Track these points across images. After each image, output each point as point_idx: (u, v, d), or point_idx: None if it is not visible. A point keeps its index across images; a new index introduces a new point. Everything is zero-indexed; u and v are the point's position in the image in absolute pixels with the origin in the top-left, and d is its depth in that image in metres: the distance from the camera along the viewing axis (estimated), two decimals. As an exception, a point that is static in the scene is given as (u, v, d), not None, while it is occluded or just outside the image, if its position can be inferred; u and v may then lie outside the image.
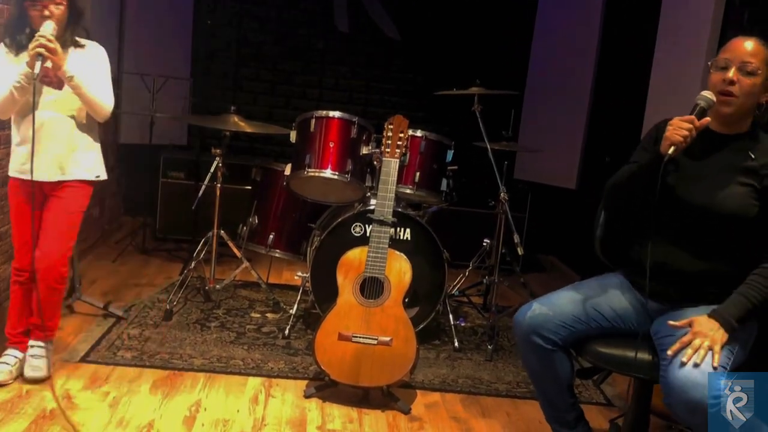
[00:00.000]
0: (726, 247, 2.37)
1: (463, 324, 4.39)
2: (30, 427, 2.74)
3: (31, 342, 3.15)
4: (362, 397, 3.25)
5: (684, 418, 2.15)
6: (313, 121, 3.88)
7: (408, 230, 3.81)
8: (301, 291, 4.11)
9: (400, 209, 3.75)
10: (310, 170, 3.84)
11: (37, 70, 2.79)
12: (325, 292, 3.65)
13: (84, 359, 3.39)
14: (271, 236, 4.30)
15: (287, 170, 3.98)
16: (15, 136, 3.07)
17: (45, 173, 3.02)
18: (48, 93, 3.00)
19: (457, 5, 6.32)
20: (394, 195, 3.31)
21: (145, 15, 5.57)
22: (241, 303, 4.45)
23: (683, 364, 2.14)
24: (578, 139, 5.68)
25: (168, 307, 4.03)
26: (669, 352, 2.19)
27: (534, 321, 2.50)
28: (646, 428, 2.62)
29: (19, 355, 3.15)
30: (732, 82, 2.32)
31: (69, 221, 3.09)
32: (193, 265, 4.25)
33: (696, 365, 2.12)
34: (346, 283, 3.21)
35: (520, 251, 3.79)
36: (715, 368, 2.12)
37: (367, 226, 3.74)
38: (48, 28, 2.84)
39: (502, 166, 4.25)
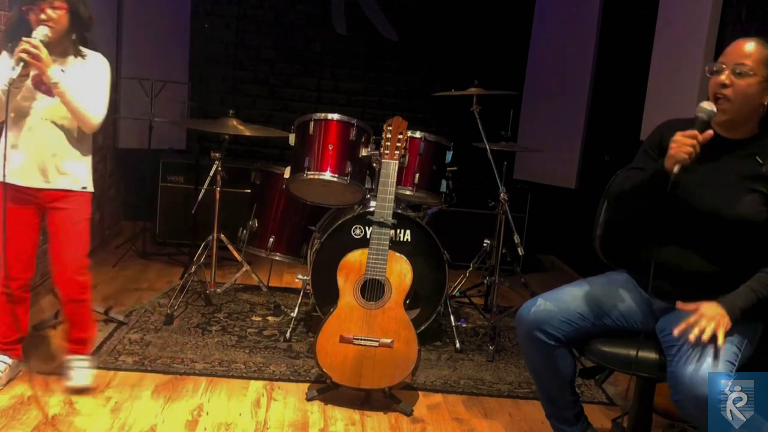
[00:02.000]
0: (737, 251, 2.37)
1: (464, 325, 4.39)
2: (32, 434, 2.75)
3: (70, 357, 3.16)
4: (364, 400, 3.25)
5: (692, 414, 2.15)
6: (311, 124, 3.88)
7: (408, 232, 3.81)
8: (302, 294, 4.11)
9: (400, 211, 3.75)
10: (309, 173, 3.83)
11: (14, 74, 2.74)
12: (325, 294, 3.65)
13: (85, 365, 3.38)
14: (272, 239, 4.30)
15: (287, 173, 3.97)
16: (6, 140, 3.03)
17: (31, 179, 2.97)
18: (40, 100, 2.95)
19: (454, 6, 6.32)
20: (393, 197, 3.31)
21: (142, 20, 5.58)
22: (242, 306, 4.45)
23: (691, 360, 2.14)
24: (577, 139, 5.68)
25: (169, 311, 4.03)
26: (675, 332, 2.19)
27: (538, 316, 2.49)
28: (648, 427, 2.62)
29: (9, 361, 3.14)
30: (724, 85, 2.30)
31: (77, 231, 3.06)
32: (193, 269, 4.25)
33: (699, 360, 2.12)
34: (347, 286, 3.21)
35: (520, 251, 3.79)
36: (716, 356, 2.12)
37: (367, 228, 3.74)
38: (38, 33, 2.81)
39: (501, 167, 4.25)
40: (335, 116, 3.89)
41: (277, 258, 4.38)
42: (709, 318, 2.20)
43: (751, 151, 2.36)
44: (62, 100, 2.90)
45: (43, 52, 2.79)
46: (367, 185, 3.93)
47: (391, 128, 3.42)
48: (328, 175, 3.82)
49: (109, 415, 2.95)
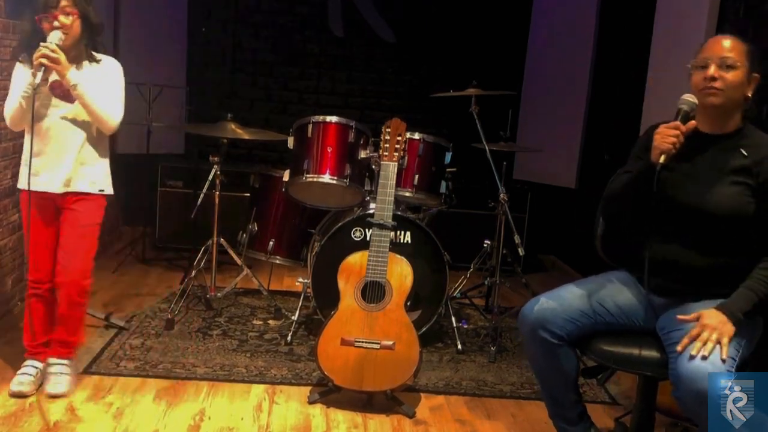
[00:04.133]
0: (728, 244, 2.38)
1: (465, 326, 4.39)
2: (34, 441, 2.74)
3: (51, 360, 3.15)
4: (366, 402, 3.24)
5: (693, 410, 2.16)
6: (310, 127, 3.88)
7: (408, 233, 3.80)
8: (302, 297, 4.11)
9: (399, 212, 3.75)
10: (308, 176, 3.83)
11: (37, 80, 2.78)
12: (326, 297, 3.64)
13: (86, 371, 3.37)
14: (271, 243, 4.29)
15: (286, 176, 3.97)
16: (26, 147, 3.06)
17: (52, 185, 3.02)
18: (59, 105, 3.00)
19: (451, 6, 6.32)
20: (393, 198, 3.31)
21: (139, 24, 5.57)
22: (242, 310, 4.44)
23: (692, 357, 2.15)
24: (577, 138, 5.67)
25: (169, 316, 4.02)
26: (678, 348, 2.20)
27: (541, 315, 2.50)
28: (651, 426, 2.62)
29: (39, 365, 3.16)
30: (714, 78, 2.34)
31: (84, 234, 3.09)
32: (193, 273, 4.25)
33: (704, 357, 2.13)
34: (348, 288, 3.20)
35: (521, 252, 3.79)
36: (723, 360, 2.13)
37: (367, 230, 3.73)
38: (53, 38, 2.85)
39: (501, 167, 4.24)
40: (334, 118, 3.89)
41: (278, 261, 4.37)
42: (711, 328, 2.20)
43: (735, 144, 2.41)
44: (81, 102, 2.95)
45: (61, 56, 2.84)
46: (367, 187, 3.92)
47: (389, 130, 3.41)
48: (327, 178, 3.81)
49: (111, 421, 2.94)
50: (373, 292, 3.20)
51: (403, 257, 3.26)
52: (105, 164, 3.18)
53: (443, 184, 4.07)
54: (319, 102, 6.39)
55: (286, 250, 4.34)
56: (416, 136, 3.96)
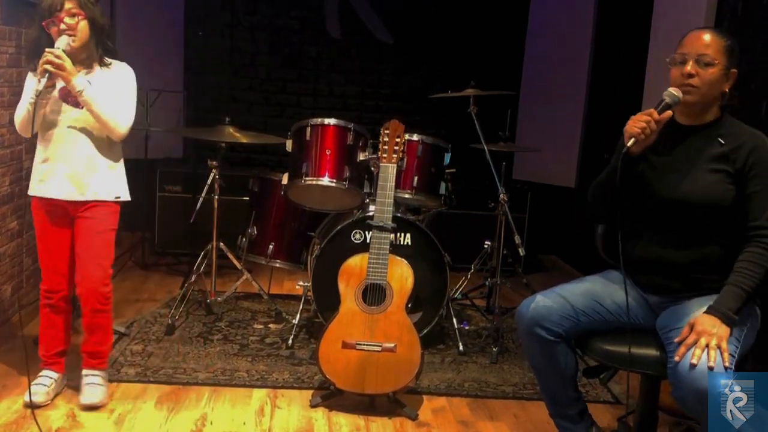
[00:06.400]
0: (712, 235, 2.40)
1: (467, 327, 4.38)
2: (35, 448, 2.73)
3: (84, 371, 3.14)
4: (368, 405, 3.23)
5: (693, 409, 2.15)
6: (308, 129, 3.87)
7: (408, 235, 3.79)
8: (303, 300, 4.10)
9: (399, 214, 3.74)
10: (307, 178, 3.82)
11: (40, 86, 2.76)
12: (327, 300, 3.63)
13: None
14: (271, 246, 4.28)
15: (284, 179, 3.96)
16: (38, 154, 3.05)
17: (63, 192, 2.99)
18: (69, 111, 2.97)
19: (448, 7, 6.31)
20: (392, 200, 3.30)
21: (135, 29, 5.56)
22: (243, 315, 4.43)
23: (693, 366, 2.13)
24: (576, 137, 5.67)
25: (170, 321, 4.02)
26: (676, 358, 2.19)
27: (537, 313, 2.50)
28: (654, 425, 2.61)
29: (54, 375, 3.15)
30: (691, 75, 2.38)
31: (101, 241, 3.06)
32: (193, 278, 4.24)
33: (711, 368, 2.11)
34: (348, 291, 3.19)
35: (521, 252, 3.78)
36: (726, 368, 2.12)
37: (366, 232, 3.72)
38: (60, 43, 2.83)
39: (500, 167, 4.24)
40: (332, 121, 3.88)
41: (278, 265, 4.36)
42: (708, 334, 2.19)
43: (713, 134, 2.44)
44: (87, 108, 2.92)
45: (67, 62, 2.81)
46: (366, 189, 3.92)
47: (388, 131, 3.41)
48: (326, 181, 3.81)
49: (112, 427, 2.94)
50: (374, 294, 3.19)
51: (403, 259, 3.26)
52: (119, 170, 3.16)
53: (443, 185, 4.06)
54: (317, 104, 6.38)
55: (286, 253, 4.34)
56: (415, 137, 3.95)
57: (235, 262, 4.30)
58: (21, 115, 2.95)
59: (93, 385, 3.10)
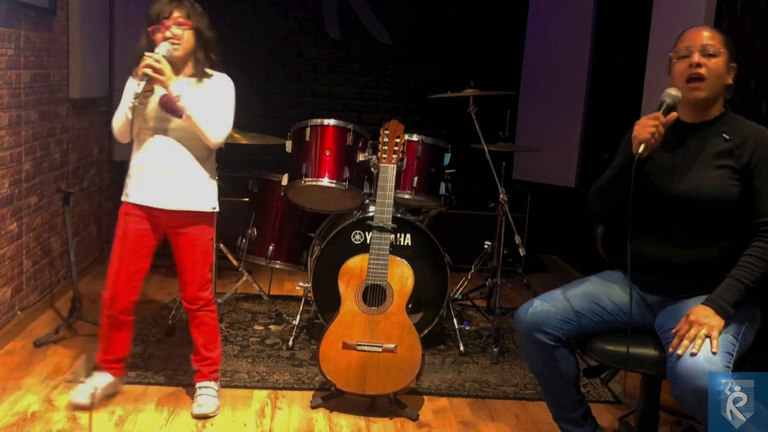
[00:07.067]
0: (716, 234, 2.39)
1: (467, 328, 4.37)
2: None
3: (198, 384, 3.16)
4: (369, 406, 3.23)
5: (692, 408, 2.15)
6: (308, 130, 3.87)
7: (408, 236, 3.79)
8: (303, 301, 4.09)
9: (399, 215, 3.74)
10: (307, 179, 3.82)
11: (139, 89, 2.76)
12: (327, 301, 3.63)
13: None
14: (271, 247, 4.28)
15: (284, 180, 3.96)
16: (134, 161, 3.03)
17: (161, 200, 2.97)
18: (167, 120, 2.94)
19: (447, 7, 6.31)
20: (392, 201, 3.30)
21: (134, 31, 5.53)
22: (243, 316, 4.43)
23: (679, 356, 2.14)
24: (576, 137, 5.66)
25: (170, 323, 4.01)
26: (670, 349, 2.19)
27: (535, 317, 2.50)
28: (656, 424, 2.61)
29: (109, 379, 3.15)
30: (699, 65, 2.39)
31: (203, 252, 3.09)
32: (193, 279, 4.23)
33: (693, 354, 2.13)
34: (349, 292, 3.19)
35: (521, 252, 3.78)
36: (714, 353, 2.12)
37: (366, 233, 3.72)
38: (161, 49, 2.82)
39: (500, 167, 4.23)
40: (332, 122, 3.88)
41: (278, 266, 4.35)
42: (698, 324, 2.20)
43: (717, 130, 2.44)
44: (185, 114, 2.90)
45: (166, 67, 2.80)
46: (366, 190, 3.91)
47: (388, 132, 3.41)
48: (326, 181, 3.81)
49: (113, 429, 2.94)
50: (374, 295, 3.19)
51: (403, 260, 3.26)
52: (214, 181, 3.12)
53: (442, 185, 4.06)
54: (317, 105, 6.38)
55: (286, 254, 4.33)
56: (415, 137, 3.95)
57: (235, 263, 4.30)
58: (119, 119, 2.94)
59: (203, 396, 3.12)
